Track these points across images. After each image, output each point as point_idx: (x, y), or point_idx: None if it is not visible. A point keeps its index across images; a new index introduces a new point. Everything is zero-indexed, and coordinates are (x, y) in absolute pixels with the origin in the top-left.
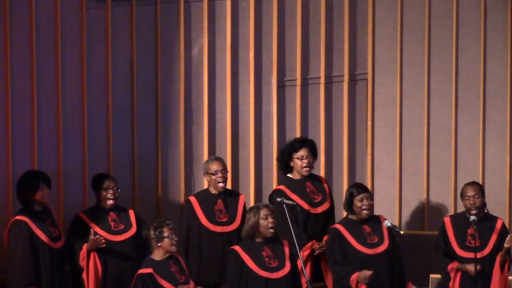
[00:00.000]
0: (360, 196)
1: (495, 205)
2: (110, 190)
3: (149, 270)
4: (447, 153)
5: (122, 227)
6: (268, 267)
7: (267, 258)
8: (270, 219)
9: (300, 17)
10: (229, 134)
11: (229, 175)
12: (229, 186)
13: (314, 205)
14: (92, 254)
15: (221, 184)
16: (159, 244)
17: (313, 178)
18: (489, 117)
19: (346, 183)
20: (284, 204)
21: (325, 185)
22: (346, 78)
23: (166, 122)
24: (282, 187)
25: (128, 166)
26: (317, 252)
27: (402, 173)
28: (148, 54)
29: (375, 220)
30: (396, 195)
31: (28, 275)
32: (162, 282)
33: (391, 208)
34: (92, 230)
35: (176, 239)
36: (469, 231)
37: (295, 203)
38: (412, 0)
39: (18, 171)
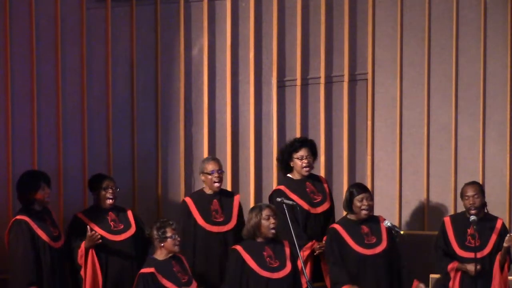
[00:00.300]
0: (360, 196)
1: (495, 205)
2: (110, 189)
3: (151, 270)
4: (447, 153)
5: (122, 226)
6: (269, 267)
7: (268, 258)
8: (272, 220)
9: (300, 17)
10: (229, 134)
11: (229, 175)
12: (229, 186)
13: (314, 205)
14: (90, 251)
15: (217, 184)
16: (162, 244)
17: (313, 178)
18: (489, 117)
19: (346, 183)
20: (284, 204)
21: (325, 185)
22: (346, 78)
23: (166, 122)
24: (282, 187)
25: (128, 166)
26: (317, 252)
27: (402, 173)
28: (148, 54)
29: (374, 221)
30: (396, 195)
31: (29, 275)
32: (164, 281)
33: (391, 208)
34: (88, 227)
35: (179, 239)
36: (469, 231)
37: (295, 203)
38: (412, 0)
39: (18, 171)
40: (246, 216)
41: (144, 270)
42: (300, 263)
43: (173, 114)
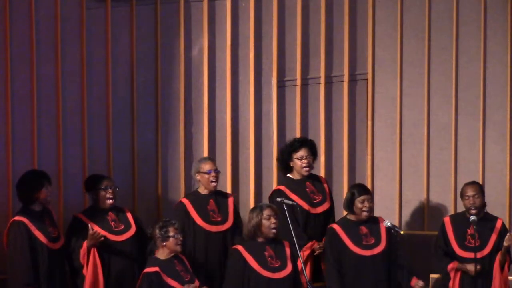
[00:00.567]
0: (362, 197)
1: (495, 205)
2: (109, 189)
3: (156, 269)
4: (447, 153)
5: (122, 227)
6: (270, 267)
7: (269, 258)
8: (272, 220)
9: (300, 17)
10: (229, 134)
11: (229, 175)
12: (229, 186)
13: (314, 205)
14: (92, 251)
15: (214, 184)
16: (164, 244)
17: (313, 178)
18: (489, 117)
19: (346, 183)
20: (284, 204)
21: (325, 185)
22: (346, 78)
23: (166, 122)
24: (282, 187)
25: (128, 166)
26: (317, 252)
27: (402, 173)
28: (148, 54)
29: (374, 222)
30: (396, 195)
31: (26, 276)
32: (169, 280)
33: (391, 208)
34: (89, 225)
35: (181, 238)
36: (469, 231)
37: (295, 203)
38: (412, 0)
39: (18, 171)
40: (246, 216)
41: (148, 270)
42: (300, 263)
43: (173, 114)
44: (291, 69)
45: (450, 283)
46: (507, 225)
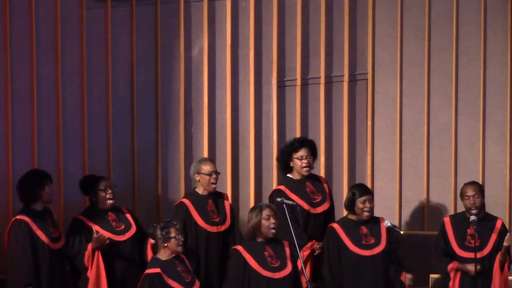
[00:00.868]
0: (363, 198)
1: (495, 205)
2: (109, 190)
3: (157, 270)
4: (447, 153)
5: (123, 226)
6: (270, 267)
7: (269, 258)
8: (272, 220)
9: (300, 17)
10: (229, 134)
11: (229, 175)
12: (229, 186)
13: (314, 205)
14: (96, 253)
15: (214, 186)
16: (166, 245)
17: (313, 178)
18: (489, 117)
19: (346, 183)
20: (284, 204)
21: (325, 185)
22: (346, 78)
23: (166, 122)
24: (282, 187)
25: (128, 166)
26: (317, 252)
27: (402, 173)
28: (148, 54)
29: (374, 222)
30: (396, 195)
31: (27, 276)
32: (170, 281)
33: (391, 208)
34: (94, 229)
35: (182, 239)
36: (469, 231)
37: (295, 203)
38: (412, 0)
39: (18, 171)
40: (246, 216)
41: (149, 271)
42: (300, 263)
43: (173, 114)
44: (291, 69)
45: (450, 283)
46: (507, 225)
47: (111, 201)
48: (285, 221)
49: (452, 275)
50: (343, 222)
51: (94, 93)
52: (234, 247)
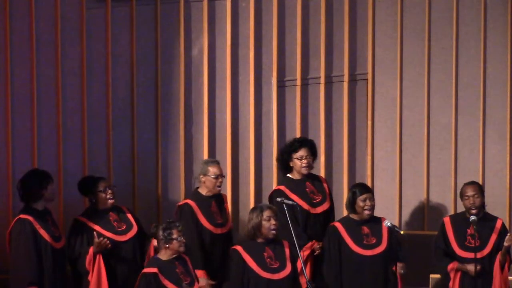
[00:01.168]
0: (363, 196)
1: (495, 205)
2: (109, 190)
3: (154, 270)
4: (447, 153)
5: (125, 226)
6: (269, 268)
7: (268, 259)
8: (272, 221)
9: (300, 17)
10: (229, 134)
11: (229, 175)
12: (229, 186)
13: (314, 205)
14: (97, 256)
15: (219, 188)
16: (167, 245)
17: (312, 178)
18: (489, 117)
19: (346, 183)
20: (284, 204)
21: (325, 185)
22: (346, 78)
23: (166, 122)
24: (282, 187)
25: (128, 166)
26: (317, 252)
27: (402, 173)
28: (148, 54)
29: (376, 222)
30: (396, 195)
31: (30, 275)
32: (166, 282)
33: (391, 208)
34: (95, 233)
35: (184, 241)
36: (468, 231)
37: (295, 203)
38: (412, 0)
39: (18, 171)
40: (246, 216)
41: (147, 270)
42: (300, 263)
43: (173, 114)
44: (291, 69)
45: (450, 283)
46: (507, 225)
47: (111, 200)
48: (285, 221)
49: (452, 275)
50: (345, 222)
51: (94, 93)
52: (234, 247)
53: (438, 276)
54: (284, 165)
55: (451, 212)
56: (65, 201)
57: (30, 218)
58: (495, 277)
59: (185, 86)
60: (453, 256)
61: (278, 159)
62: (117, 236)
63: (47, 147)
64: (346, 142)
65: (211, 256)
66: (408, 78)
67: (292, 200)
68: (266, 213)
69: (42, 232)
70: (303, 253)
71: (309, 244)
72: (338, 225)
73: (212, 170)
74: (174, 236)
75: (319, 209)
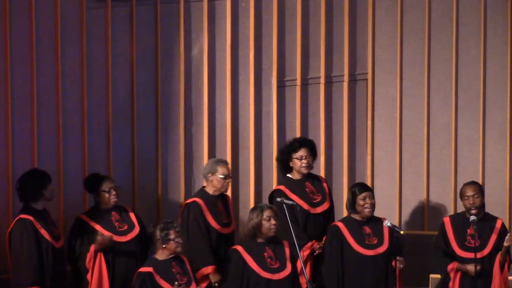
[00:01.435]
0: (363, 195)
1: (495, 205)
2: (113, 191)
3: (149, 269)
4: (447, 153)
5: (126, 227)
6: (269, 268)
7: (268, 259)
8: (272, 221)
9: (300, 17)
10: (229, 134)
11: None
12: (229, 186)
13: (313, 205)
14: (98, 255)
15: (225, 188)
16: (164, 246)
17: (312, 178)
18: (489, 117)
19: (346, 183)
20: (284, 204)
21: (325, 185)
22: (346, 78)
23: (166, 122)
24: (281, 187)
25: (128, 166)
26: (317, 252)
27: (402, 173)
28: (148, 54)
29: (377, 222)
30: (396, 195)
31: (33, 275)
32: (161, 282)
33: (391, 208)
34: (99, 231)
35: (181, 241)
36: (469, 231)
37: (295, 203)
38: (412, 0)
39: (18, 171)
40: (246, 216)
41: (142, 269)
42: (300, 263)
43: (173, 114)
44: (291, 69)
45: (450, 284)
46: (507, 225)
47: (114, 200)
48: (285, 221)
49: (452, 275)
50: (347, 221)
51: (94, 93)
52: (234, 247)
53: (438, 276)
54: (284, 165)
55: (451, 212)
56: (65, 201)
57: (31, 218)
58: (495, 277)
59: (185, 86)
60: (453, 256)
61: (278, 159)
62: (117, 237)
63: (47, 147)
64: (346, 142)
65: (216, 256)
66: (408, 78)
67: (292, 200)
68: (267, 213)
69: (43, 231)
70: (303, 253)
71: (309, 244)
72: (340, 224)
73: (221, 170)
74: (171, 236)
75: (319, 209)
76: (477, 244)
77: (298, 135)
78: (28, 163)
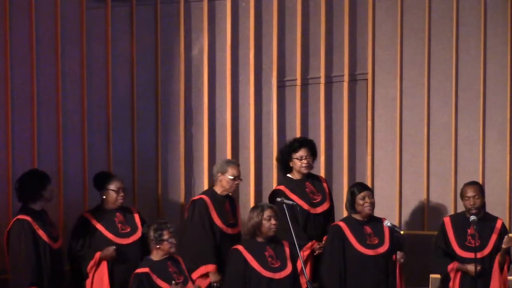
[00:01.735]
0: (362, 194)
1: (495, 205)
2: (121, 192)
3: (146, 270)
4: (447, 153)
5: (129, 229)
6: (271, 267)
7: (269, 258)
8: (273, 221)
9: (300, 17)
10: (229, 134)
11: None
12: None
13: (313, 205)
14: (102, 262)
15: (233, 189)
16: (158, 246)
17: (312, 178)
18: (489, 117)
19: (346, 183)
20: (284, 204)
21: (325, 185)
22: (346, 78)
23: (166, 122)
24: (281, 187)
25: (128, 166)
26: (317, 252)
27: (402, 173)
28: (148, 54)
29: (377, 222)
30: (396, 195)
31: (30, 275)
32: (159, 282)
33: (391, 208)
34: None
35: (175, 242)
36: (469, 231)
37: (295, 203)
38: (412, 0)
39: (18, 171)
40: (246, 216)
41: (139, 270)
42: (300, 263)
43: (173, 114)
44: (291, 69)
45: (450, 284)
46: (507, 225)
47: (122, 200)
48: (285, 221)
49: (452, 275)
50: (348, 221)
51: (94, 93)
52: (235, 246)
53: (438, 276)
54: (284, 165)
55: (451, 212)
56: (65, 201)
57: (28, 218)
58: (494, 277)
59: (185, 86)
60: (453, 256)
61: (278, 159)
62: (118, 239)
63: (47, 147)
64: (346, 142)
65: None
66: (408, 78)
67: (292, 200)
68: (267, 213)
69: (41, 232)
70: (303, 253)
71: (309, 244)
72: (342, 224)
73: (231, 170)
74: (165, 237)
75: (319, 209)
76: (477, 244)
77: (298, 135)
78: (28, 163)
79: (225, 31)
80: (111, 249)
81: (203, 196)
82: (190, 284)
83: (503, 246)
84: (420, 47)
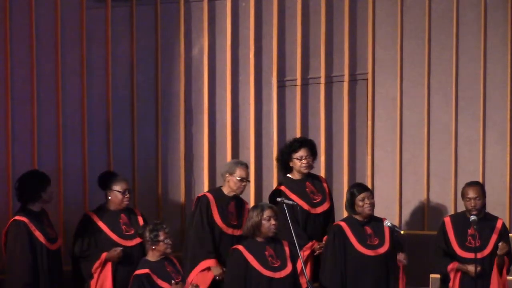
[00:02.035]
0: (362, 195)
1: (495, 205)
2: (127, 194)
3: (146, 271)
4: (447, 153)
5: (133, 231)
6: (271, 267)
7: (270, 258)
8: (273, 221)
9: (300, 17)
10: (229, 134)
11: None
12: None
13: (314, 205)
14: (107, 263)
15: (240, 191)
16: (154, 247)
17: (312, 178)
18: (489, 117)
19: (346, 183)
20: (284, 204)
21: (325, 185)
22: (346, 78)
23: (166, 122)
24: (282, 187)
25: (128, 166)
26: (317, 252)
27: (402, 173)
28: (148, 54)
29: (378, 223)
30: (396, 195)
31: (25, 276)
32: (159, 282)
33: (391, 208)
34: (120, 249)
35: (170, 242)
36: (469, 231)
37: (295, 203)
38: (412, 0)
39: (18, 171)
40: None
41: (138, 272)
42: (300, 263)
43: (173, 114)
44: (291, 69)
45: (450, 284)
46: (507, 225)
47: (127, 202)
48: (285, 221)
49: (452, 275)
50: (349, 221)
51: (94, 93)
52: (235, 246)
53: (438, 276)
54: (284, 165)
55: (451, 212)
56: (65, 201)
57: (25, 219)
58: (493, 278)
59: (185, 86)
60: (454, 256)
61: (278, 159)
62: (122, 240)
63: (47, 147)
64: (346, 142)
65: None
66: (408, 78)
67: (292, 200)
68: (267, 213)
69: (38, 234)
70: (303, 253)
71: (309, 244)
72: (343, 224)
73: (239, 172)
74: (161, 238)
75: (319, 209)
76: (477, 244)
77: (298, 135)
78: (28, 163)
79: (225, 31)
80: (118, 250)
81: (207, 194)
82: (188, 283)
83: (498, 253)
84: (420, 47)
